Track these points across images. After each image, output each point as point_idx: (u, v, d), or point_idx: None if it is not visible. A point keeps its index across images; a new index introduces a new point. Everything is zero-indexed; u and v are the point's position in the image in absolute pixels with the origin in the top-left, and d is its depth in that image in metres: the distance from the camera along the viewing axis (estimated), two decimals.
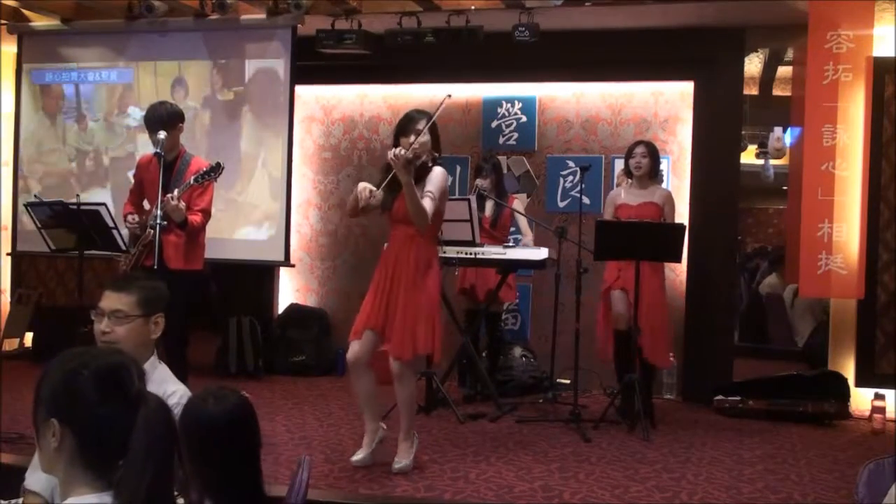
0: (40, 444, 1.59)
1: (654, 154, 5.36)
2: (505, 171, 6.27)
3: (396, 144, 4.12)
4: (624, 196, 5.41)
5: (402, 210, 4.08)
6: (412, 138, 4.05)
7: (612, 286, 5.31)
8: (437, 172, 4.13)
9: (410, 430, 4.22)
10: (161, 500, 1.50)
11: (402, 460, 4.16)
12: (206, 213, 4.71)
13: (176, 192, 4.46)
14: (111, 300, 2.57)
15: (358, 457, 4.21)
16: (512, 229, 5.94)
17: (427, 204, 4.02)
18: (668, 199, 5.35)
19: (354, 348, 4.15)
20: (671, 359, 5.90)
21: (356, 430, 4.87)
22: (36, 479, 2.30)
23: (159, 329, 2.63)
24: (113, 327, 2.55)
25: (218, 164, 4.62)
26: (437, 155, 4.18)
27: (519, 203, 5.96)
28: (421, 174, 4.09)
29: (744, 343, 8.15)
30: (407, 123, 4.14)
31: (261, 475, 2.06)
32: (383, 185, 4.04)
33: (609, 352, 5.37)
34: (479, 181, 5.72)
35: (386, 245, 4.26)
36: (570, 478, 4.15)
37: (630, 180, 5.46)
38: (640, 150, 5.33)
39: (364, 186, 4.06)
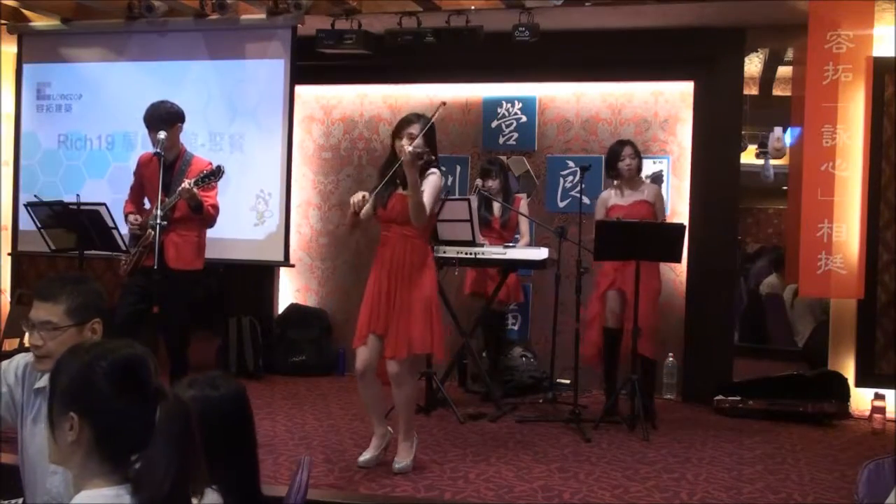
0: (55, 437, 1.58)
1: (639, 153, 5.38)
2: None
3: (393, 147, 4.16)
4: (615, 197, 5.37)
5: (398, 209, 4.09)
6: (405, 141, 4.06)
7: (607, 289, 5.29)
8: (433, 176, 4.13)
9: (410, 431, 4.22)
10: (180, 497, 1.51)
11: (402, 460, 4.16)
12: (215, 208, 4.74)
13: (192, 180, 4.49)
14: (39, 310, 2.30)
15: (365, 457, 4.22)
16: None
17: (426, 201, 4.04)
18: (658, 196, 5.36)
19: (363, 355, 4.12)
20: (670, 356, 5.91)
21: (356, 431, 4.88)
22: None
23: (98, 335, 2.33)
24: (44, 339, 2.27)
25: (219, 168, 4.63)
26: (433, 158, 4.16)
27: (524, 204, 5.94)
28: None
29: (744, 343, 8.14)
30: (401, 126, 4.16)
31: (256, 467, 2.03)
32: (384, 180, 4.07)
33: (595, 353, 5.35)
34: (482, 181, 5.72)
35: (379, 246, 4.25)
36: (570, 478, 4.15)
37: (616, 182, 5.43)
38: (628, 150, 5.29)
39: (358, 193, 4.08)
